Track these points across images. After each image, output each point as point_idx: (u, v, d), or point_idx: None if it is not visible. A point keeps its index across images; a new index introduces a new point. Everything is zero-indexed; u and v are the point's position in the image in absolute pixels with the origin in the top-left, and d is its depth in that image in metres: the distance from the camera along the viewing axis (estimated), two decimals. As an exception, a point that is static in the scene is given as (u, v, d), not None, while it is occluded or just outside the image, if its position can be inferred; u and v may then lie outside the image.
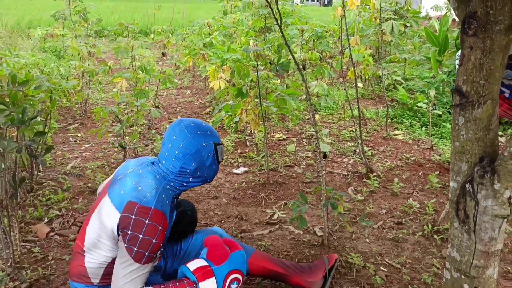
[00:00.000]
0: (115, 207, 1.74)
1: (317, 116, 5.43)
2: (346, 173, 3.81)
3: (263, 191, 3.46)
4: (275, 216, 3.12)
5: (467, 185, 1.48)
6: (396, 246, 2.76)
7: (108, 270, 1.83)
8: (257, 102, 3.48)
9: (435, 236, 2.81)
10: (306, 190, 3.51)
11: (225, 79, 4.63)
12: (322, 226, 2.96)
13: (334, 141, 4.64)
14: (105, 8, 21.27)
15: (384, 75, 6.28)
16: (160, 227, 1.71)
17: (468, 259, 1.53)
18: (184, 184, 1.87)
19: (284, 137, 4.76)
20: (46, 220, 3.08)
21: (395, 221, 3.04)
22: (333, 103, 5.63)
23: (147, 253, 1.69)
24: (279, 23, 2.58)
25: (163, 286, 1.75)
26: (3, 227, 2.34)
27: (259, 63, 3.37)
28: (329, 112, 5.68)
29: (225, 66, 4.83)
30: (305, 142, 4.60)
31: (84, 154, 4.30)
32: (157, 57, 9.29)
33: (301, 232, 2.92)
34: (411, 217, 3.09)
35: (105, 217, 1.76)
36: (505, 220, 1.46)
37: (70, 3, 7.75)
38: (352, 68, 4.72)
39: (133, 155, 4.02)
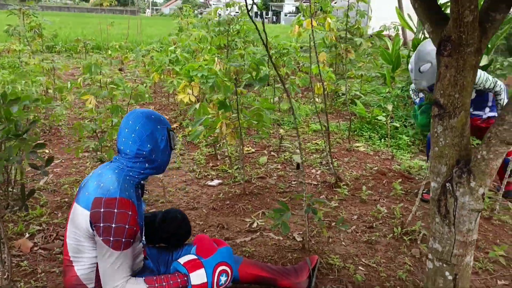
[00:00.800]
0: (83, 208, 1.84)
1: (281, 130, 5.65)
2: (316, 183, 4.03)
3: (240, 201, 3.61)
4: (255, 224, 3.28)
5: (447, 184, 1.71)
6: (370, 247, 2.99)
7: (99, 272, 1.92)
8: (235, 116, 3.65)
9: (404, 237, 3.07)
10: (281, 199, 3.70)
11: (193, 94, 4.78)
12: (301, 232, 3.16)
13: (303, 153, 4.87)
14: (53, 24, 20.83)
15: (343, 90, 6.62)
16: (129, 212, 1.83)
17: (449, 249, 1.75)
18: (142, 172, 1.98)
19: (253, 150, 4.94)
20: (27, 235, 3.10)
21: (367, 226, 3.27)
22: (298, 118, 5.88)
23: (123, 239, 1.80)
24: (265, 43, 2.78)
25: (155, 278, 1.87)
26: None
27: (238, 77, 3.54)
28: (292, 127, 5.92)
29: (193, 82, 4.98)
30: (274, 155, 4.80)
31: (55, 170, 4.29)
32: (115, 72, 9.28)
33: (281, 238, 3.09)
34: (381, 221, 3.34)
35: (77, 221, 1.86)
36: (479, 213, 1.69)
37: (24, 19, 7.66)
38: (318, 84, 5.00)
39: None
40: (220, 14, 9.77)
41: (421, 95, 3.77)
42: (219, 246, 2.02)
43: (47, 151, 4.80)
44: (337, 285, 2.57)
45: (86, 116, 4.60)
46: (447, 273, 1.78)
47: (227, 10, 9.99)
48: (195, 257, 1.95)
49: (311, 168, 4.45)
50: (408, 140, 5.19)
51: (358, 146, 5.11)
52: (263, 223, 3.29)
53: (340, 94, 6.94)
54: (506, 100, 3.33)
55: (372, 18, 11.42)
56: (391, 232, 3.16)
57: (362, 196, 3.72)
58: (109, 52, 9.95)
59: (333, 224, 3.25)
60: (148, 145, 1.94)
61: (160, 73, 5.75)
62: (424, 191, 3.79)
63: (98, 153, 3.81)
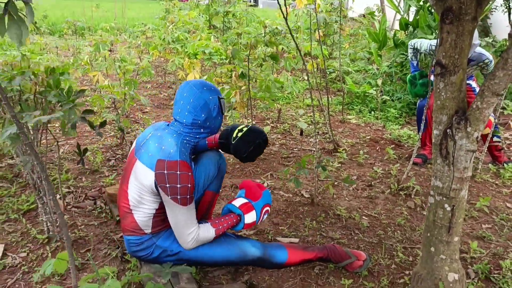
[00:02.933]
0: (147, 167, 2.12)
1: (276, 105, 5.98)
2: (316, 150, 4.38)
3: (249, 165, 3.94)
4: (265, 184, 3.62)
5: (448, 130, 2.06)
6: (371, 201, 3.37)
7: (156, 220, 2.23)
8: (245, 88, 3.96)
9: (401, 192, 3.45)
10: (286, 164, 4.04)
11: (197, 71, 5.06)
12: (307, 190, 3.51)
13: (297, 124, 5.21)
14: (37, 5, 20.57)
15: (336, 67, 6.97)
16: (189, 174, 2.11)
17: (448, 185, 2.12)
18: (197, 136, 2.24)
19: (254, 122, 5.26)
20: (58, 196, 3.37)
21: (366, 184, 3.65)
22: (292, 93, 6.20)
23: (188, 196, 2.10)
24: (287, 23, 3.08)
25: (217, 221, 2.21)
26: (50, 193, 2.67)
27: (250, 52, 3.85)
28: (287, 102, 6.25)
29: (195, 60, 5.27)
30: (274, 126, 5.13)
31: (68, 141, 4.55)
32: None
33: (291, 195, 3.44)
34: (378, 181, 3.72)
35: (142, 178, 2.14)
36: (474, 153, 2.06)
37: None
38: (311, 60, 5.32)
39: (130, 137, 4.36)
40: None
41: (415, 61, 4.12)
42: (261, 189, 2.36)
43: (56, 124, 5.04)
44: (346, 231, 2.93)
45: (99, 91, 4.82)
46: (446, 205, 2.15)
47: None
48: (246, 200, 2.30)
49: (309, 137, 4.81)
50: (395, 113, 5.58)
51: (350, 119, 5.48)
52: (273, 183, 3.64)
53: (328, 72, 7.29)
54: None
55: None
56: (388, 188, 3.54)
57: (359, 160, 4.09)
58: (100, 33, 10.10)
59: (336, 183, 3.60)
60: (203, 115, 2.20)
61: (159, 50, 5.99)
62: (415, 156, 4.19)
63: (119, 124, 4.06)
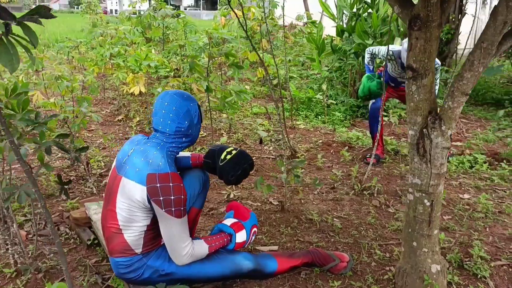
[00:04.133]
0: (137, 183, 2.07)
1: (224, 115, 5.99)
2: (273, 157, 4.45)
3: (213, 177, 3.92)
4: (232, 195, 3.62)
5: (424, 130, 2.19)
6: (337, 203, 3.47)
7: (147, 238, 2.18)
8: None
9: (364, 192, 3.59)
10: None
11: (142, 85, 4.98)
12: (275, 197, 3.56)
13: (249, 133, 5.26)
14: None
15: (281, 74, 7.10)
16: (181, 185, 2.09)
17: (426, 181, 2.24)
18: (179, 145, 2.23)
19: (205, 134, 5.24)
20: (14, 226, 3.17)
21: (329, 187, 3.75)
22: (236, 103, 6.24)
23: (182, 208, 2.08)
24: (245, 29, 3.10)
25: (209, 238, 2.19)
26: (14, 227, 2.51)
27: (211, 62, 3.83)
28: (234, 112, 6.28)
29: (139, 74, 5.17)
30: (227, 136, 5.14)
31: (17, 166, 4.29)
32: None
33: (260, 204, 3.47)
34: (339, 183, 3.84)
35: (132, 194, 2.08)
36: (448, 150, 2.20)
37: None
38: (260, 68, 5.39)
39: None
40: (140, 9, 9.81)
41: (372, 65, 4.31)
42: (248, 211, 2.38)
43: None
44: (321, 234, 3.01)
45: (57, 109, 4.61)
46: (425, 201, 2.27)
47: (140, 4, 10.01)
48: (236, 220, 2.30)
49: (262, 145, 4.86)
50: (341, 116, 5.78)
51: (298, 124, 5.61)
52: (239, 193, 3.64)
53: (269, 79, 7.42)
54: (439, 79, 4.02)
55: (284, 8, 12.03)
56: (352, 190, 3.67)
57: (318, 164, 4.21)
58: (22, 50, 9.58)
59: (300, 187, 3.68)
60: (186, 122, 2.19)
61: (100, 66, 5.81)
62: (367, 156, 4.37)
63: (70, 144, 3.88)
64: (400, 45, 4.30)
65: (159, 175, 2.05)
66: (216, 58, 4.37)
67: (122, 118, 5.79)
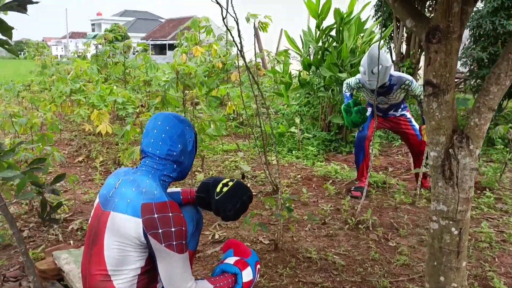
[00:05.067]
0: (131, 216, 1.75)
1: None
2: (255, 193, 4.16)
3: (193, 218, 3.58)
4: (217, 236, 3.28)
5: (450, 150, 2.00)
6: (333, 240, 3.21)
7: (140, 284, 1.82)
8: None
9: (360, 226, 3.35)
10: (230, 211, 3.75)
11: (107, 123, 4.63)
12: (264, 236, 3.26)
13: (223, 170, 4.96)
14: None
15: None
16: (181, 215, 1.79)
17: (454, 207, 2.03)
18: (170, 174, 1.92)
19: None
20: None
21: (320, 222, 3.49)
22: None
23: (184, 241, 1.76)
24: (254, 78, 2.88)
25: (213, 279, 1.86)
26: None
27: (186, 93, 3.55)
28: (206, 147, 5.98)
29: (103, 110, 4.82)
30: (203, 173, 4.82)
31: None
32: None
33: (249, 244, 3.15)
34: (330, 218, 3.59)
35: (125, 229, 1.75)
36: (476, 171, 2.01)
37: None
38: (229, 103, 5.16)
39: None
40: (96, 47, 9.49)
41: (352, 92, 4.16)
42: (248, 248, 2.07)
43: None
44: (323, 273, 2.72)
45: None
46: (453, 229, 2.05)
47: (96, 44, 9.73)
48: (238, 258, 1.97)
49: (245, 181, 4.56)
50: (314, 150, 5.60)
51: (272, 160, 5.37)
52: (225, 234, 3.32)
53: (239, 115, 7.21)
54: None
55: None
56: (345, 224, 3.43)
57: (303, 199, 3.95)
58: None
59: (292, 224, 3.39)
60: (179, 145, 1.90)
61: (57, 104, 5.40)
62: (351, 189, 4.18)
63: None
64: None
65: (155, 204, 1.74)
66: (189, 91, 4.10)
67: (83, 159, 5.35)
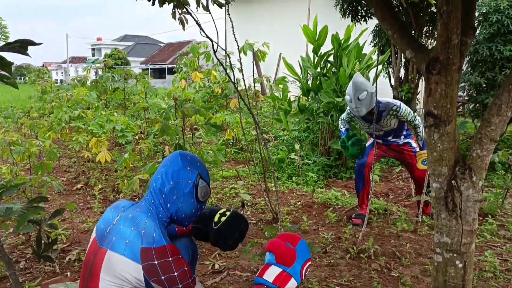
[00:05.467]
0: (129, 259, 1.71)
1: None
2: (255, 221, 4.12)
3: (192, 247, 3.53)
4: (216, 266, 3.23)
5: (453, 182, 1.98)
6: (334, 269, 3.16)
7: None
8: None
9: (361, 255, 3.30)
10: (229, 240, 3.70)
11: (106, 150, 4.61)
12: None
13: (222, 197, 4.92)
14: None
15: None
16: (180, 256, 1.76)
17: (457, 240, 2.00)
18: (166, 214, 1.86)
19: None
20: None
21: (321, 252, 3.44)
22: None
23: (190, 280, 1.76)
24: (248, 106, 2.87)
25: None
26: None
27: (185, 122, 3.54)
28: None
29: (102, 137, 4.81)
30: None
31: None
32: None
33: (249, 274, 3.10)
34: (331, 246, 3.54)
35: (122, 272, 1.72)
36: (480, 203, 1.99)
37: None
38: (228, 130, 5.16)
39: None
40: (96, 72, 9.54)
41: (347, 126, 4.15)
42: (294, 243, 1.82)
43: None
44: (326, 305, 2.67)
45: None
46: (457, 262, 2.02)
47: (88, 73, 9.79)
48: (279, 269, 1.73)
49: (238, 210, 4.53)
50: (314, 176, 5.57)
51: (272, 187, 5.33)
52: (224, 263, 3.27)
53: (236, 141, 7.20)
54: (423, 132, 3.82)
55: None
56: (346, 253, 3.38)
57: (304, 227, 3.91)
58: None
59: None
60: (171, 182, 1.85)
61: (56, 131, 5.39)
62: (352, 216, 4.14)
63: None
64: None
65: (155, 250, 1.71)
66: (189, 118, 4.10)
67: (82, 187, 5.31)
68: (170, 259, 1.71)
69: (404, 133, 4.01)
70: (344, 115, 4.15)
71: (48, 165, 3.50)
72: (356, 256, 3.32)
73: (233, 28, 3.44)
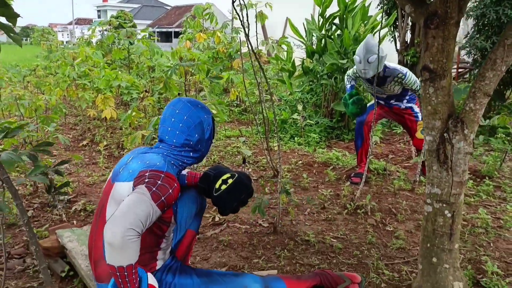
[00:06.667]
0: (128, 181, 1.78)
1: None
2: (256, 178, 4.21)
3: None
4: (216, 218, 3.34)
5: (445, 134, 2.03)
6: (331, 224, 3.26)
7: (140, 258, 1.83)
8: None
9: (358, 211, 3.40)
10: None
11: (112, 107, 4.67)
12: (263, 219, 3.31)
13: (225, 155, 5.01)
14: None
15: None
16: (175, 184, 1.78)
17: (447, 190, 2.07)
18: (184, 161, 1.96)
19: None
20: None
21: (319, 207, 3.54)
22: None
23: (163, 198, 1.70)
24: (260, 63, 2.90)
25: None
26: None
27: (188, 78, 3.60)
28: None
29: (108, 94, 4.87)
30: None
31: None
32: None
33: (249, 226, 3.21)
34: (329, 203, 3.64)
35: (121, 197, 1.77)
36: (471, 155, 2.05)
37: None
38: (233, 89, 5.19)
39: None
40: (102, 33, 9.51)
41: (352, 83, 4.16)
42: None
43: None
44: (321, 255, 2.78)
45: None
46: (446, 212, 2.10)
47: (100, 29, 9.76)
48: None
49: (240, 167, 4.62)
50: (316, 137, 5.64)
51: (274, 146, 5.42)
52: (225, 217, 3.37)
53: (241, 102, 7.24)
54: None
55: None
56: (343, 209, 3.47)
57: (304, 184, 4.00)
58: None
59: (289, 208, 3.44)
60: (196, 135, 1.94)
61: (62, 89, 5.45)
62: (351, 175, 4.22)
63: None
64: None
65: (151, 170, 1.78)
66: (192, 77, 4.14)
67: (88, 143, 5.41)
68: (162, 175, 1.75)
69: (407, 97, 4.02)
70: (350, 72, 4.14)
71: (54, 118, 3.57)
72: (353, 212, 3.42)
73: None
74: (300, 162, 4.77)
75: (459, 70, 10.07)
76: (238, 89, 5.70)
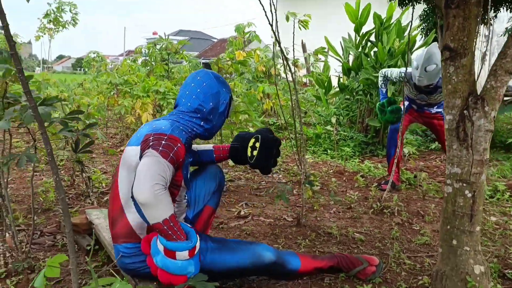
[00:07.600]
0: (135, 146, 1.87)
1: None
2: (285, 182, 4.24)
3: (223, 196, 3.70)
4: (242, 212, 3.38)
5: (465, 112, 2.03)
6: (356, 221, 3.23)
7: None
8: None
9: (385, 211, 3.36)
10: (258, 194, 3.85)
11: (150, 113, 4.85)
12: (288, 215, 3.33)
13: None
14: None
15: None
16: (178, 144, 1.83)
17: (467, 169, 2.05)
18: (194, 128, 2.02)
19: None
20: (7, 235, 2.91)
21: (346, 207, 3.53)
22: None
23: (171, 154, 1.77)
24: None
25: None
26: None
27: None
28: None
29: (148, 100, 5.06)
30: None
31: (11, 185, 4.06)
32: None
33: (273, 220, 3.23)
34: (356, 204, 3.62)
35: (129, 161, 1.87)
36: (492, 133, 2.03)
37: None
38: (267, 100, 5.29)
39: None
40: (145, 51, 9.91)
41: (386, 87, 4.15)
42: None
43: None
44: (342, 246, 2.76)
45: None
46: (466, 192, 2.06)
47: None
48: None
49: (271, 174, 4.67)
50: (350, 151, 5.62)
51: (307, 158, 5.44)
52: (251, 211, 3.41)
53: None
54: None
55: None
56: (370, 210, 3.44)
57: (332, 187, 3.99)
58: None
59: (314, 207, 3.44)
60: (211, 103, 2.01)
61: (105, 95, 5.70)
62: (382, 182, 4.17)
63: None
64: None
65: (155, 133, 1.86)
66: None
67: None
68: (166, 137, 1.81)
69: (439, 103, 3.99)
70: (394, 73, 4.04)
71: (95, 114, 3.76)
72: (380, 212, 3.38)
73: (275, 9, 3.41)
74: (331, 171, 4.76)
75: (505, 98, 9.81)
76: (273, 101, 5.79)
